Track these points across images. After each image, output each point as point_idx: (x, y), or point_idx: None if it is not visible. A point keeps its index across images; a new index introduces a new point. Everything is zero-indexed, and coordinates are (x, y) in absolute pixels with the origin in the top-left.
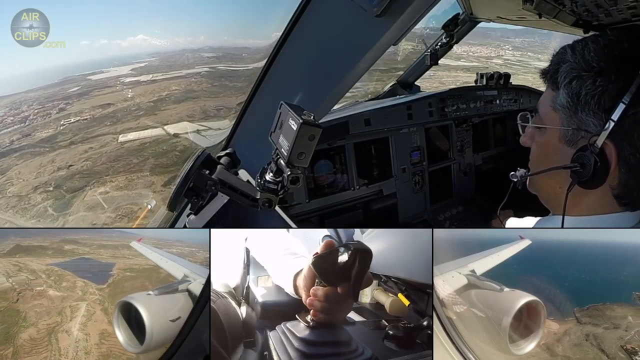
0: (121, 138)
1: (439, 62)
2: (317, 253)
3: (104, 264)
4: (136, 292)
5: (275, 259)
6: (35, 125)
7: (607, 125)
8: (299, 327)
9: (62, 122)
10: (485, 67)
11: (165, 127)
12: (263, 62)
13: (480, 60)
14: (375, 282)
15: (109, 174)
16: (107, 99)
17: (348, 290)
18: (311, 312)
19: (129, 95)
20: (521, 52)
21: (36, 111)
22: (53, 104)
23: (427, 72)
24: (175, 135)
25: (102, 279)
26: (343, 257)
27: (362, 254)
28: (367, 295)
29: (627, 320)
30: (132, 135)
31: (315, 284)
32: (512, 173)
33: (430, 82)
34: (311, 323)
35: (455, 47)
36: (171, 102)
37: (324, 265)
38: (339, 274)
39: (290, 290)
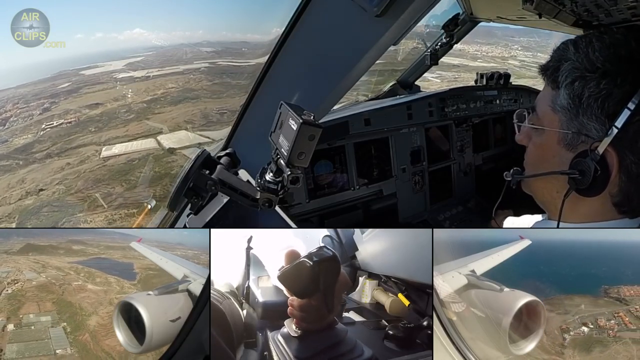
0: (105, 152)
1: (458, 62)
2: (282, 266)
3: (123, 263)
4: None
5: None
6: (15, 129)
7: (610, 132)
8: (289, 337)
9: (43, 126)
10: (505, 68)
11: (159, 137)
12: (265, 58)
13: (496, 60)
14: (375, 282)
15: (84, 209)
16: (97, 98)
17: (321, 301)
18: (294, 320)
19: (121, 94)
20: (532, 53)
21: (19, 111)
22: (38, 102)
23: (449, 73)
24: (171, 151)
25: (130, 276)
26: (307, 271)
27: (326, 264)
28: (367, 295)
29: (579, 307)
30: (117, 149)
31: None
32: (507, 172)
33: (456, 84)
34: (299, 332)
35: (466, 46)
36: (167, 103)
37: (289, 280)
38: (307, 286)
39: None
